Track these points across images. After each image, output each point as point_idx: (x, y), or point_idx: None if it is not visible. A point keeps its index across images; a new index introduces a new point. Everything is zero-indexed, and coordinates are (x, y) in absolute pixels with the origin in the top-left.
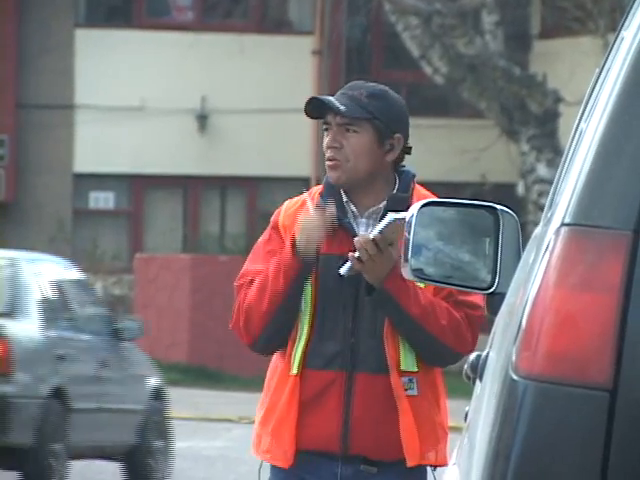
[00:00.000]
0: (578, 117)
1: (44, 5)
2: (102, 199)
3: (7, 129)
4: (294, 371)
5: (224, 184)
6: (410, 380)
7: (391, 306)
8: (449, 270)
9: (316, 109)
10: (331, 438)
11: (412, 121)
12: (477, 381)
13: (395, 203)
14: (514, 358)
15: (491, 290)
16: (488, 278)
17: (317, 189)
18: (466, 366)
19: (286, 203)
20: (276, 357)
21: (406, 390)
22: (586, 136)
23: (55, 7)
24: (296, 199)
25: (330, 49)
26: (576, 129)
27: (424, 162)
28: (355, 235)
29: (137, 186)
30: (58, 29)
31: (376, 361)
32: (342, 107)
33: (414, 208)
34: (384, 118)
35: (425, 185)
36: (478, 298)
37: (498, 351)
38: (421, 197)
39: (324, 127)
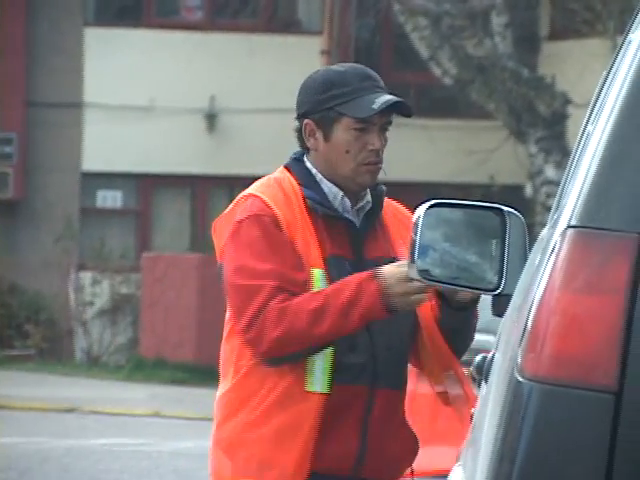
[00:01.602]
0: (585, 119)
1: (53, 4)
2: (110, 198)
3: (16, 127)
4: (318, 388)
5: (232, 184)
6: None
7: (470, 316)
8: (456, 271)
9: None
10: (345, 459)
11: (421, 122)
12: (483, 382)
13: (378, 199)
14: (520, 360)
15: (497, 291)
16: (494, 279)
17: (285, 177)
18: (472, 368)
19: (264, 196)
20: (265, 370)
21: None
22: (593, 138)
23: (64, 6)
24: (269, 189)
25: (339, 49)
26: (583, 131)
27: (432, 163)
28: (356, 232)
29: (145, 185)
30: (67, 28)
31: (394, 376)
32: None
33: (421, 209)
34: None
35: (433, 186)
36: None
37: (504, 353)
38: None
39: (360, 126)
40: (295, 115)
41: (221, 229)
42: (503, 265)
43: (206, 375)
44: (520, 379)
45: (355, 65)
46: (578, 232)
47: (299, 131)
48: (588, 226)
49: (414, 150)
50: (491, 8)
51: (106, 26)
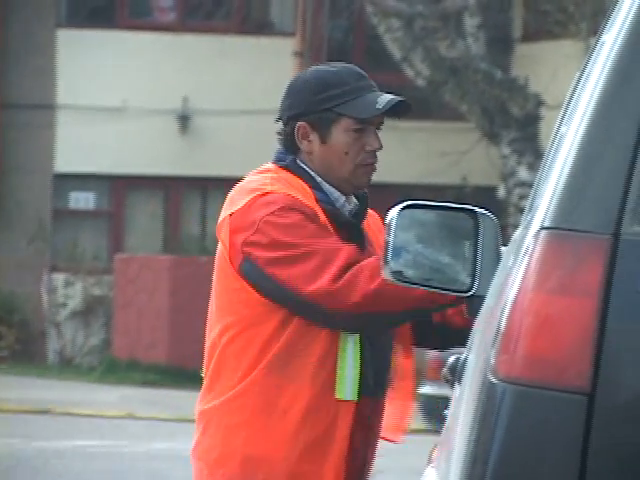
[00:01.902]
0: (558, 121)
1: (26, 6)
2: (82, 199)
3: None
4: (349, 396)
5: (205, 185)
6: None
7: None
8: (428, 272)
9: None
10: (355, 471)
11: (393, 123)
12: (456, 384)
13: (364, 202)
14: (493, 361)
15: (470, 293)
16: (467, 281)
17: (291, 178)
18: (445, 369)
19: (289, 192)
20: (283, 375)
21: None
22: (566, 140)
23: (37, 7)
24: (287, 188)
25: (312, 51)
26: (556, 133)
27: (405, 164)
28: (359, 236)
29: (118, 186)
30: (40, 29)
31: (385, 385)
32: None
33: (394, 210)
34: None
35: (406, 187)
36: None
37: (477, 354)
38: None
39: (359, 127)
40: (280, 117)
41: (227, 226)
42: (476, 266)
43: (179, 376)
44: (493, 380)
45: (346, 64)
46: (551, 233)
47: (288, 134)
48: (561, 227)
49: (387, 151)
50: (464, 9)
51: (79, 27)
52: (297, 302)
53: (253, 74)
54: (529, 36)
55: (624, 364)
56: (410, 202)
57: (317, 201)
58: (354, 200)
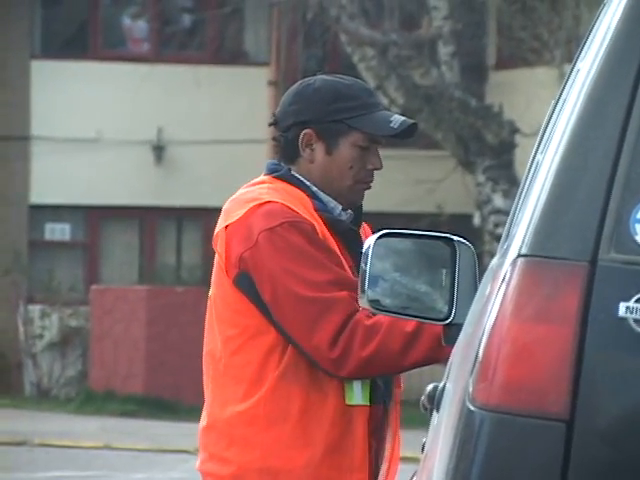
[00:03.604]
0: (534, 148)
1: None
2: (58, 230)
3: None
4: (360, 401)
5: (180, 215)
6: None
7: None
8: (406, 301)
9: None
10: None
11: None
12: (434, 412)
13: (360, 212)
14: (471, 389)
15: (448, 321)
16: (445, 309)
17: (288, 188)
18: (423, 397)
19: (289, 204)
20: (294, 384)
21: None
22: (542, 167)
23: (10, 38)
24: (287, 197)
25: (286, 80)
26: (532, 160)
27: (380, 193)
28: (361, 247)
29: (93, 217)
30: (14, 61)
31: (392, 395)
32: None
33: (371, 239)
34: None
35: (381, 216)
36: None
37: (455, 382)
38: None
39: (366, 145)
40: (278, 122)
41: (223, 237)
42: (453, 294)
43: (156, 407)
44: (472, 408)
45: (355, 79)
46: (528, 261)
47: (290, 140)
48: (538, 255)
49: None
50: (438, 37)
51: (53, 58)
52: (294, 343)
53: (228, 104)
54: (503, 63)
55: (602, 391)
56: (386, 231)
57: (316, 210)
58: (349, 210)
